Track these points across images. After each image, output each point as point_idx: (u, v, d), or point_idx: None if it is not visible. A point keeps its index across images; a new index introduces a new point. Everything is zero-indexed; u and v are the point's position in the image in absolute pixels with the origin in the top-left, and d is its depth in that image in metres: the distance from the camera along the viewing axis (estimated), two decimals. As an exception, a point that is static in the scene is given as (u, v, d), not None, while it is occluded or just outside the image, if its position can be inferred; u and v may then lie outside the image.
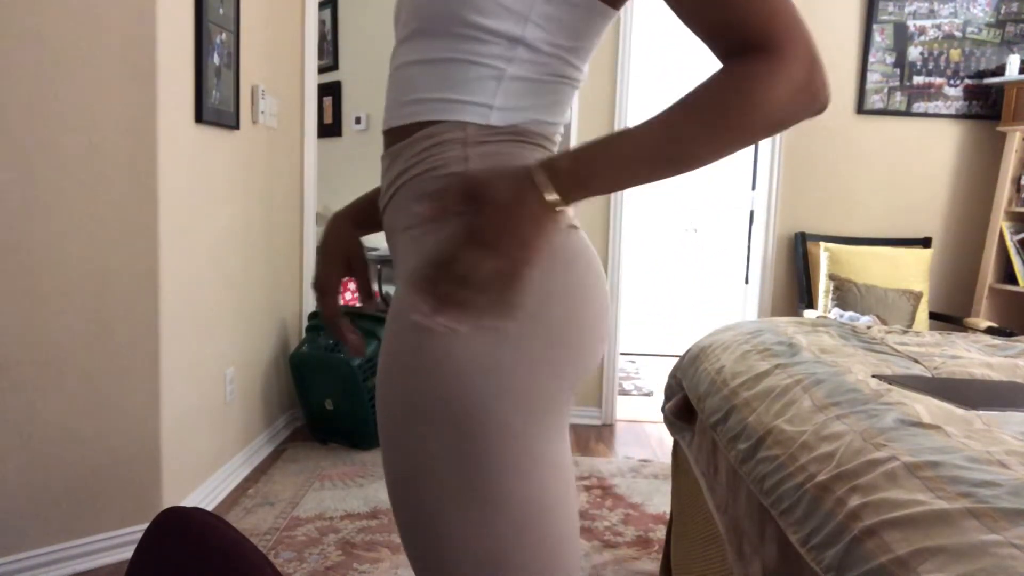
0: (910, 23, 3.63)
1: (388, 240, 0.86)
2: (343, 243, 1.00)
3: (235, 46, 2.62)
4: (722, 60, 0.77)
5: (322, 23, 5.26)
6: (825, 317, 3.28)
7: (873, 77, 3.66)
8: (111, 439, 2.15)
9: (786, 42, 0.71)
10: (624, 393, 4.26)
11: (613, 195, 3.47)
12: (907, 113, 3.68)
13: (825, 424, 1.14)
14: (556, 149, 0.86)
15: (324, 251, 1.01)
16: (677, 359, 1.95)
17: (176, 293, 2.29)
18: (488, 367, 0.73)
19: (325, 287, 1.00)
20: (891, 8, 3.62)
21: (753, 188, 4.00)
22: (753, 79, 0.73)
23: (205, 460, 2.57)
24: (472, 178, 0.75)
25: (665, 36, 5.01)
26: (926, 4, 3.62)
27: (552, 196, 0.72)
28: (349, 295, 4.36)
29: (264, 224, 3.04)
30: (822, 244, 3.57)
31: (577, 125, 3.47)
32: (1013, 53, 3.60)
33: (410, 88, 0.82)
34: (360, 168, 5.08)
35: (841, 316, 3.32)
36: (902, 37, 3.64)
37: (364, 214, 1.02)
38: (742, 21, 0.72)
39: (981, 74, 3.65)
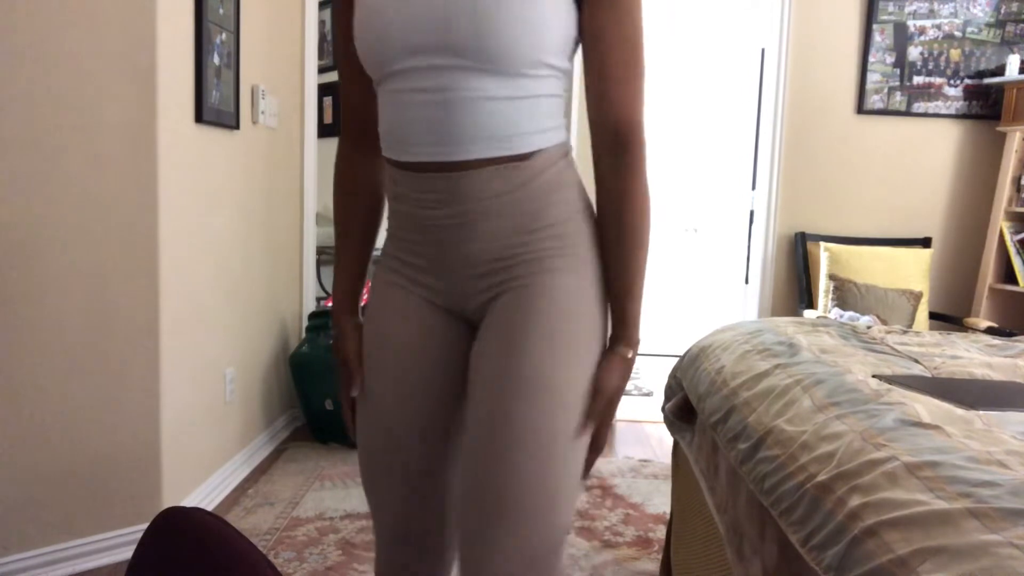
0: (910, 23, 3.63)
1: (447, 218, 1.03)
2: (355, 340, 1.17)
3: (235, 46, 2.62)
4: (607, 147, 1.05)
5: (322, 23, 5.26)
6: (825, 317, 3.28)
7: (873, 77, 3.66)
8: (111, 439, 2.15)
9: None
10: (624, 393, 4.26)
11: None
12: (907, 113, 3.69)
13: (825, 424, 1.14)
14: None
15: (341, 353, 1.18)
16: (677, 359, 1.95)
17: (176, 293, 2.29)
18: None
19: (349, 377, 1.17)
20: (891, 8, 3.62)
21: (753, 188, 4.00)
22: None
23: (205, 460, 2.57)
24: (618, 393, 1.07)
25: (657, 34, 5.01)
26: (926, 4, 3.62)
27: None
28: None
29: (264, 224, 3.04)
30: (822, 244, 3.57)
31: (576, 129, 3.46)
32: (1013, 53, 3.60)
33: (491, 118, 0.98)
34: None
35: (841, 316, 3.32)
36: (902, 37, 3.64)
37: (356, 299, 1.21)
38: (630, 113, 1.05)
39: (981, 74, 3.65)
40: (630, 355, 1.06)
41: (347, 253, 1.19)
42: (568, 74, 1.05)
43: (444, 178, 1.00)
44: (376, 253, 1.22)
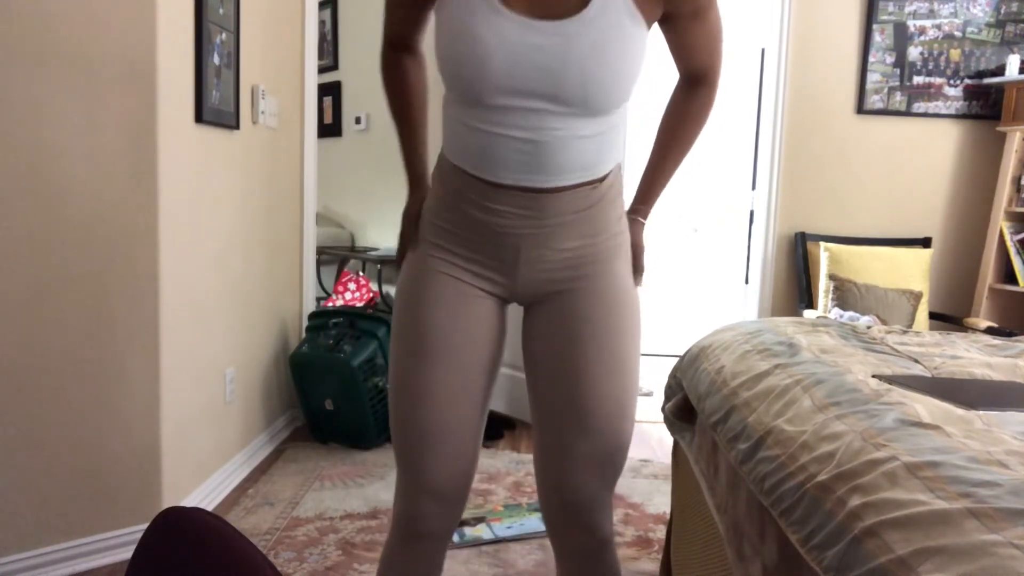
0: (910, 23, 3.63)
1: (529, 229, 1.20)
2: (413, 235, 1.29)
3: (235, 46, 2.62)
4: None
5: (322, 23, 5.26)
6: (825, 317, 3.28)
7: (873, 77, 3.66)
8: (111, 439, 2.15)
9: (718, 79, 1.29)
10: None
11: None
12: (907, 113, 3.68)
13: (825, 424, 1.14)
14: None
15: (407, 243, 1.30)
16: (677, 359, 1.95)
17: (176, 293, 2.29)
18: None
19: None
20: (891, 8, 3.62)
21: (753, 188, 4.00)
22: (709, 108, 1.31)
23: (205, 460, 2.57)
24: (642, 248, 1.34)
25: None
26: (926, 4, 3.62)
27: None
28: (349, 295, 4.36)
29: (264, 224, 3.04)
30: (822, 244, 3.57)
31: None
32: (1013, 53, 3.60)
33: (581, 156, 1.14)
34: (360, 168, 5.08)
35: (841, 316, 3.32)
36: (902, 37, 3.64)
37: (425, 181, 1.34)
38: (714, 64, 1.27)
39: (981, 74, 3.65)
40: (643, 220, 1.35)
41: (412, 140, 1.33)
42: None
43: (530, 198, 1.15)
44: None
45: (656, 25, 1.18)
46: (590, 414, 1.23)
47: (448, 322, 1.22)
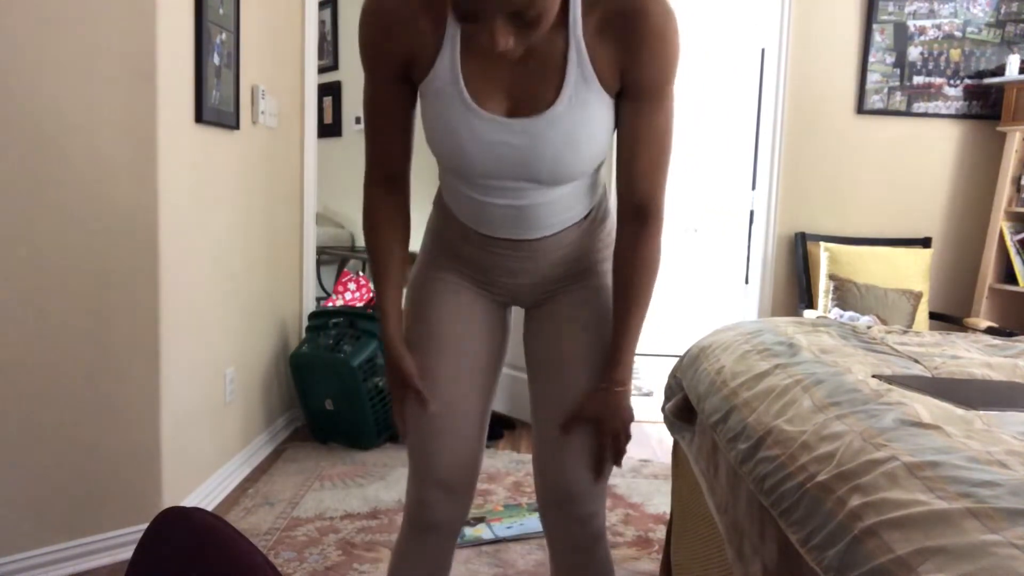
0: (910, 23, 3.63)
1: (523, 261, 1.31)
2: (409, 375, 1.31)
3: (235, 46, 2.62)
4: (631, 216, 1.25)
5: (322, 23, 5.26)
6: (825, 317, 3.28)
7: (873, 77, 3.66)
8: (111, 439, 2.15)
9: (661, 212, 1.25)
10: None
11: (612, 195, 3.46)
12: (907, 113, 3.68)
13: (825, 424, 1.14)
14: None
15: (402, 373, 1.31)
16: (677, 359, 1.95)
17: (176, 293, 2.29)
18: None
19: (405, 391, 1.33)
20: (891, 8, 3.62)
21: (753, 188, 4.00)
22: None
23: (205, 460, 2.57)
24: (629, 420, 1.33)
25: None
26: (926, 4, 3.62)
27: None
28: (349, 295, 4.36)
29: (264, 224, 3.04)
30: (822, 244, 3.57)
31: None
32: (1013, 53, 3.60)
33: (565, 210, 1.24)
34: (360, 168, 5.07)
35: (841, 316, 3.32)
36: (902, 37, 3.64)
37: (402, 324, 1.36)
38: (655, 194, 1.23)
39: (981, 74, 3.65)
40: (618, 390, 1.29)
41: (390, 285, 1.31)
42: None
43: (523, 245, 1.27)
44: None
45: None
46: (575, 396, 1.30)
47: (452, 319, 1.31)
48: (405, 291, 1.36)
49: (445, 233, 1.34)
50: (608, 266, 1.33)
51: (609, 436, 1.30)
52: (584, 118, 1.11)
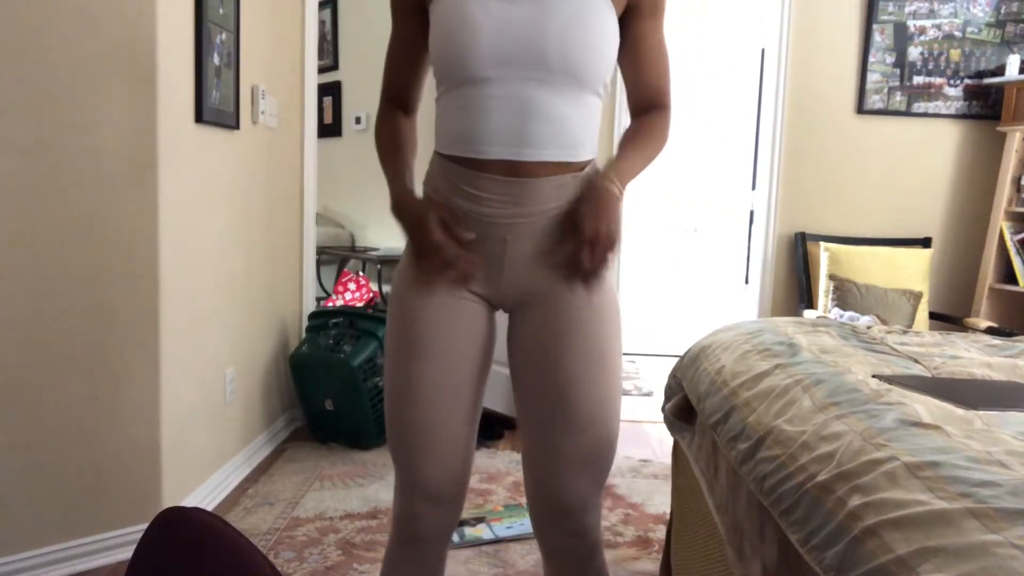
0: (910, 23, 3.63)
1: (513, 216, 1.22)
2: (422, 203, 1.25)
3: (235, 46, 2.62)
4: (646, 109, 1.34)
5: (322, 23, 5.26)
6: (825, 317, 3.28)
7: (873, 77, 3.66)
8: (111, 439, 2.15)
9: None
10: (624, 393, 4.26)
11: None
12: (907, 113, 3.68)
13: (825, 424, 1.14)
14: None
15: (420, 212, 1.23)
16: (677, 359, 1.95)
17: (176, 293, 2.29)
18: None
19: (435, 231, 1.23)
20: (891, 8, 3.62)
21: (753, 188, 4.00)
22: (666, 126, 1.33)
23: (205, 460, 2.57)
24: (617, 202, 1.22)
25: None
26: (926, 4, 3.62)
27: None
28: (349, 295, 4.36)
29: (264, 224, 3.04)
30: (822, 244, 3.57)
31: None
32: (1013, 53, 3.60)
33: (564, 132, 1.19)
34: (360, 168, 5.08)
35: (841, 316, 3.32)
36: (902, 37, 3.64)
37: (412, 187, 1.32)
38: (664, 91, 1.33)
39: (981, 74, 3.65)
40: (607, 184, 1.20)
41: (399, 170, 1.30)
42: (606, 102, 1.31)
43: (514, 182, 1.19)
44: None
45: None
46: (574, 410, 1.24)
47: (438, 325, 1.25)
48: (389, 288, 1.30)
49: (433, 190, 1.27)
50: (608, 276, 1.27)
51: (588, 236, 1.17)
52: (590, 6, 1.17)
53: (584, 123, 1.21)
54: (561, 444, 1.25)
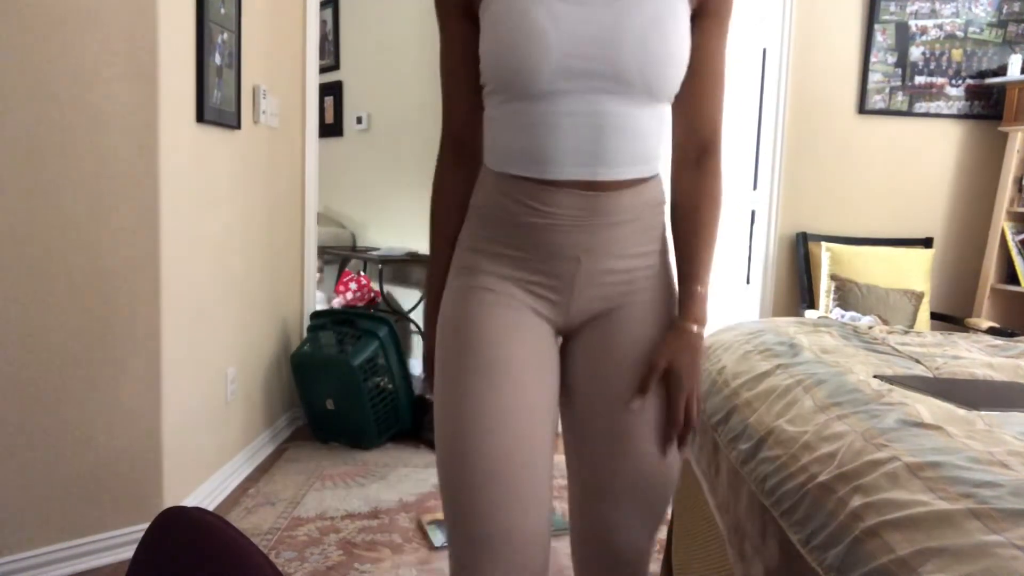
0: (912, 23, 3.63)
1: (588, 234, 1.08)
2: None
3: (236, 46, 2.62)
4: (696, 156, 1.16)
5: (323, 23, 5.26)
6: (826, 317, 3.28)
7: (874, 77, 3.66)
8: (111, 439, 2.15)
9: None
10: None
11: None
12: (909, 113, 3.68)
13: (826, 424, 1.14)
14: None
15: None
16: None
17: (177, 293, 2.29)
18: None
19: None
20: (893, 8, 3.62)
21: (754, 188, 4.00)
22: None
23: (206, 460, 2.57)
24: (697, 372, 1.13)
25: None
26: (928, 4, 3.62)
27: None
28: (350, 295, 4.36)
29: (265, 224, 3.04)
30: (823, 244, 3.56)
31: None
32: (1015, 53, 3.59)
33: (641, 142, 1.06)
34: (361, 168, 5.08)
35: (842, 316, 3.32)
36: (904, 37, 3.64)
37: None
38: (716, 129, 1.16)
39: (983, 74, 3.65)
40: (695, 329, 1.10)
41: (444, 258, 1.18)
42: None
43: (587, 196, 1.05)
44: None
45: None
46: (634, 436, 1.09)
47: (509, 337, 1.07)
48: (439, 315, 1.15)
49: (489, 223, 1.10)
50: (672, 290, 1.16)
51: (684, 395, 1.08)
52: (670, 7, 1.02)
53: (660, 134, 1.09)
54: (616, 472, 1.10)
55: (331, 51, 5.30)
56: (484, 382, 1.03)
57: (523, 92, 1.03)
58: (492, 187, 1.10)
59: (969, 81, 3.66)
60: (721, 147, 1.15)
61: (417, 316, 4.59)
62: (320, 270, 4.66)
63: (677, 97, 1.10)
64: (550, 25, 0.99)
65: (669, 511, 1.19)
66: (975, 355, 1.67)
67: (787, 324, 1.86)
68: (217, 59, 2.46)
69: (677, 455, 1.12)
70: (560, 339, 1.17)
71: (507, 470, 1.01)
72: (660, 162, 1.13)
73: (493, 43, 1.03)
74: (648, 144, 1.07)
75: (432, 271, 1.19)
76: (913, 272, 3.53)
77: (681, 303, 1.12)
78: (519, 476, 1.01)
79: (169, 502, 2.31)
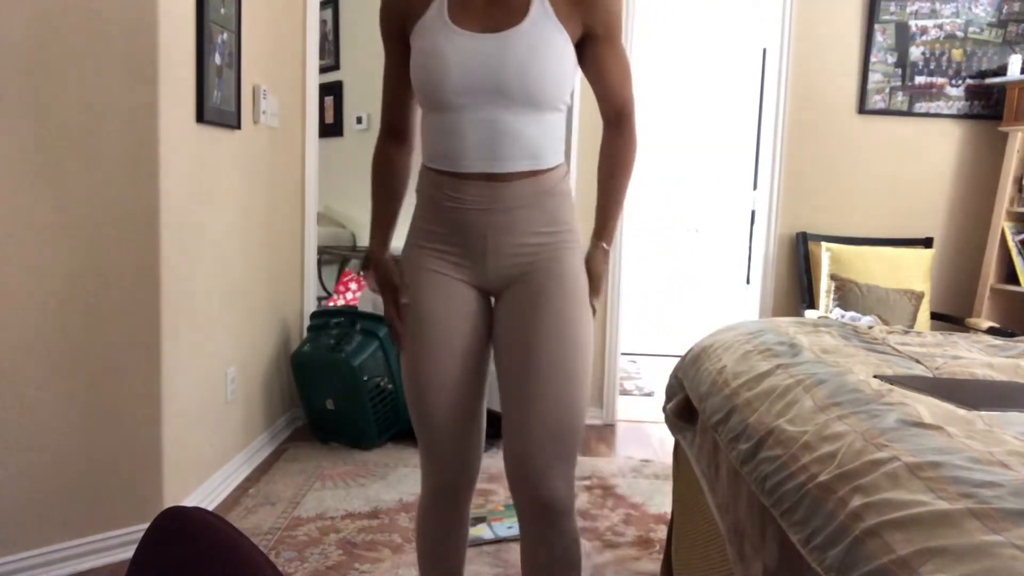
0: (912, 23, 3.63)
1: (491, 216, 1.40)
2: (393, 275, 1.50)
3: (236, 46, 2.62)
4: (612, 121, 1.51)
5: (323, 23, 5.26)
6: (826, 317, 3.28)
7: (875, 77, 3.66)
8: (111, 439, 2.15)
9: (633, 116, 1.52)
10: (625, 393, 4.26)
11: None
12: (909, 113, 3.68)
13: (826, 424, 1.14)
14: None
15: (389, 276, 1.50)
16: (678, 359, 1.94)
17: (177, 293, 2.29)
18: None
19: (395, 292, 1.49)
20: (893, 8, 3.62)
21: (754, 188, 4.00)
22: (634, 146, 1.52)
23: (206, 460, 2.57)
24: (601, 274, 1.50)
25: (663, 36, 5.01)
26: (928, 4, 3.62)
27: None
28: (350, 295, 4.36)
29: (265, 224, 3.04)
30: (823, 244, 3.57)
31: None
32: (1015, 53, 3.59)
33: (531, 145, 1.37)
34: (361, 167, 5.07)
35: (842, 316, 3.32)
36: (904, 37, 3.64)
37: (388, 245, 1.57)
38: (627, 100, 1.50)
39: (983, 74, 3.65)
40: (607, 247, 1.49)
41: (383, 216, 1.56)
42: (567, 111, 1.49)
43: (490, 186, 1.37)
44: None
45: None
46: (541, 376, 1.39)
47: (438, 308, 1.43)
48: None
49: (425, 208, 1.45)
50: (576, 258, 1.45)
51: (596, 290, 1.47)
52: (546, 39, 1.33)
53: (545, 136, 1.38)
54: (529, 407, 1.40)
55: (331, 51, 5.30)
56: (425, 351, 1.43)
57: (437, 104, 1.36)
58: (424, 178, 1.45)
59: (969, 81, 3.66)
60: (633, 114, 1.49)
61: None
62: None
63: (595, 87, 1.46)
64: (451, 53, 1.32)
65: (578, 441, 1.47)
66: (975, 355, 1.67)
67: (787, 324, 1.86)
68: (217, 59, 2.46)
69: (582, 387, 1.44)
70: (492, 299, 1.50)
71: (440, 411, 1.45)
72: (556, 158, 1.42)
73: (415, 66, 1.37)
74: (536, 144, 1.37)
75: (374, 225, 1.57)
76: (913, 272, 3.53)
77: (598, 229, 1.50)
78: (450, 414, 1.45)
79: (169, 502, 2.31)
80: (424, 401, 1.45)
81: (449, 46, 1.32)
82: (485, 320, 1.48)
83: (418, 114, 1.51)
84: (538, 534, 1.48)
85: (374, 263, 1.52)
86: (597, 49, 1.41)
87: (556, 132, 1.41)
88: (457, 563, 1.60)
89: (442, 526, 1.55)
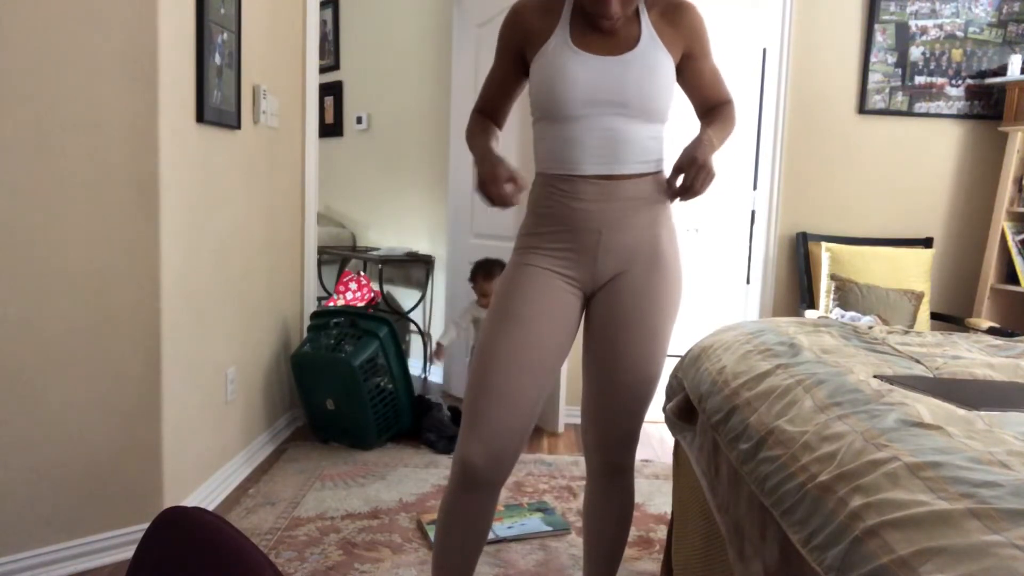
0: (912, 23, 3.63)
1: (605, 214, 1.57)
2: (502, 165, 1.55)
3: (236, 46, 2.62)
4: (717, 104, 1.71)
5: (323, 23, 5.26)
6: (826, 317, 3.28)
7: (875, 77, 3.66)
8: (111, 439, 2.15)
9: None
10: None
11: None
12: (909, 113, 3.68)
13: (827, 424, 1.14)
14: None
15: (490, 159, 1.56)
16: (678, 359, 1.94)
17: (177, 293, 2.29)
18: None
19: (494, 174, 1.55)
20: (893, 8, 3.62)
21: (755, 188, 4.00)
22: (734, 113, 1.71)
23: (206, 460, 2.57)
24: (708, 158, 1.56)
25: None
26: (928, 4, 3.62)
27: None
28: (350, 295, 4.36)
29: (265, 224, 3.04)
30: (823, 244, 3.56)
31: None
32: (1015, 53, 3.59)
33: (642, 151, 1.56)
34: (361, 167, 5.08)
35: (842, 316, 3.32)
36: (904, 37, 3.64)
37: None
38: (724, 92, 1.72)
39: (983, 74, 3.65)
40: (711, 141, 1.56)
41: (486, 141, 1.64)
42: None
43: (607, 185, 1.55)
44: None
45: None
46: (625, 353, 1.58)
47: (532, 300, 1.55)
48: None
49: (537, 214, 1.60)
50: (672, 250, 1.61)
51: (682, 162, 1.51)
52: (657, 60, 1.55)
53: (653, 142, 1.58)
54: (613, 378, 1.60)
55: (331, 51, 5.29)
56: (502, 331, 1.54)
57: (560, 115, 1.54)
58: (539, 184, 1.62)
59: (969, 81, 3.66)
60: (732, 99, 1.71)
61: (417, 316, 4.59)
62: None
63: (695, 95, 1.69)
64: (580, 72, 1.52)
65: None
66: (975, 355, 1.67)
67: (787, 324, 1.86)
68: (217, 59, 2.46)
69: (657, 364, 1.62)
70: (584, 299, 1.63)
71: (496, 388, 1.51)
72: (660, 163, 1.60)
73: (541, 83, 1.56)
74: (646, 149, 1.56)
75: (473, 143, 1.66)
76: (913, 272, 3.53)
77: (702, 135, 1.58)
78: (504, 392, 1.51)
79: (169, 502, 2.31)
80: (493, 371, 1.51)
81: (578, 66, 1.52)
82: (576, 322, 1.62)
83: (506, 111, 1.73)
84: (603, 489, 1.71)
85: (481, 156, 1.58)
86: (697, 65, 1.64)
87: (662, 141, 1.60)
88: (475, 553, 1.63)
89: (471, 508, 1.56)
